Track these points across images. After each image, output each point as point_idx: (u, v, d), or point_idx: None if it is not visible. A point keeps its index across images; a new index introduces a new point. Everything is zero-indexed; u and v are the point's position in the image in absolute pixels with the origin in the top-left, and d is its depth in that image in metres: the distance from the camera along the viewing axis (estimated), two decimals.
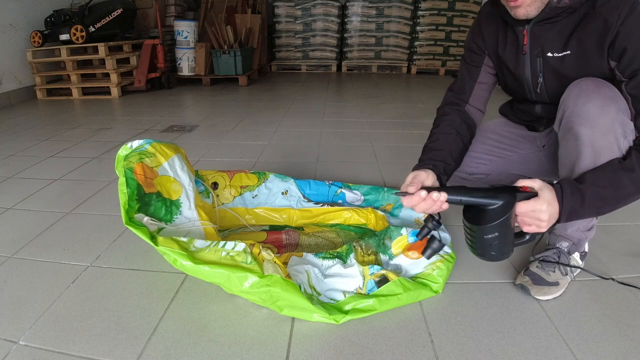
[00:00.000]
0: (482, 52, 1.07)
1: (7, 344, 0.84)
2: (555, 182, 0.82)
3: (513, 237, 0.80)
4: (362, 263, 1.03)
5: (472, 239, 0.81)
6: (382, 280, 0.95)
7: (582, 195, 0.78)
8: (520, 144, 1.16)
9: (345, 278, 0.99)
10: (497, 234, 0.78)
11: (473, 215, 0.80)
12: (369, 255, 1.08)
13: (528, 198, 0.78)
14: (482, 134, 1.18)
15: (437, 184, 0.92)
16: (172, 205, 1.10)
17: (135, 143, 1.10)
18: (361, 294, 0.95)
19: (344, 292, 0.95)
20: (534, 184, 0.79)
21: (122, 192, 1.00)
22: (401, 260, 1.05)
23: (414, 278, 0.99)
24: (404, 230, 1.09)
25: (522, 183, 0.80)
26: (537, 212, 0.77)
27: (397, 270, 1.03)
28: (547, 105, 1.02)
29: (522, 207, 0.77)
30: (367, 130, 2.57)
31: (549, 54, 0.91)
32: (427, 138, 1.07)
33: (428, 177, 0.90)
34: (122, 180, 1.01)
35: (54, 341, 0.84)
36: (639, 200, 0.81)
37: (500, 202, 0.77)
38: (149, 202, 1.05)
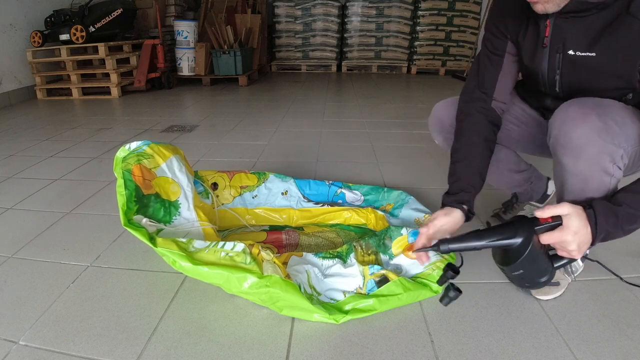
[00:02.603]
0: (505, 36, 0.96)
1: (7, 344, 0.84)
2: (588, 205, 0.76)
3: (546, 264, 0.80)
4: (362, 263, 1.03)
5: (505, 275, 0.84)
6: (382, 280, 0.95)
7: (617, 217, 0.73)
8: (527, 120, 1.09)
9: (345, 278, 0.99)
10: (521, 271, 0.78)
11: (497, 255, 0.83)
12: (369, 255, 1.08)
13: (552, 228, 0.76)
14: None
15: (461, 222, 0.91)
16: (170, 207, 1.10)
17: (133, 144, 1.10)
18: (361, 293, 0.95)
19: (344, 292, 0.95)
20: (562, 209, 0.74)
21: (121, 194, 1.00)
22: (401, 260, 1.05)
23: (414, 278, 0.99)
24: (404, 230, 1.09)
25: (547, 211, 0.75)
26: (564, 243, 0.74)
27: (397, 270, 1.03)
28: (559, 100, 0.92)
29: (547, 239, 0.75)
30: (367, 130, 2.57)
31: (571, 52, 0.83)
32: (452, 153, 0.98)
33: (448, 222, 0.87)
34: (120, 182, 1.01)
35: (54, 341, 0.84)
36: None
37: (518, 241, 0.77)
38: (148, 203, 1.05)
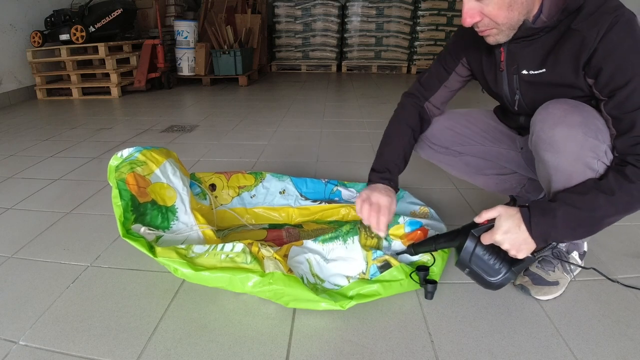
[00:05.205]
0: (458, 59, 1.04)
1: (7, 344, 0.84)
2: (525, 205, 0.80)
3: (497, 265, 0.82)
4: (365, 246, 1.04)
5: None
6: (385, 266, 0.96)
7: (554, 214, 0.75)
8: (501, 141, 1.16)
9: (347, 262, 1.00)
10: (467, 269, 0.83)
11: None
12: (372, 238, 1.08)
13: (488, 229, 0.80)
14: (469, 119, 1.16)
15: (391, 194, 1.00)
16: (168, 212, 1.10)
17: (126, 152, 1.09)
18: (365, 279, 0.96)
19: (348, 278, 0.97)
20: (493, 212, 0.80)
21: (117, 205, 1.00)
22: (399, 247, 1.07)
23: (413, 264, 1.01)
24: (401, 219, 1.12)
25: (483, 215, 0.81)
26: (497, 243, 0.78)
27: (396, 255, 1.04)
28: (530, 117, 0.98)
29: (484, 240, 0.80)
30: (367, 130, 2.57)
31: (524, 72, 0.89)
32: (384, 136, 1.11)
33: (392, 204, 0.97)
34: (115, 192, 1.01)
35: (54, 341, 0.85)
36: None
37: (456, 244, 0.84)
38: (145, 211, 1.05)
